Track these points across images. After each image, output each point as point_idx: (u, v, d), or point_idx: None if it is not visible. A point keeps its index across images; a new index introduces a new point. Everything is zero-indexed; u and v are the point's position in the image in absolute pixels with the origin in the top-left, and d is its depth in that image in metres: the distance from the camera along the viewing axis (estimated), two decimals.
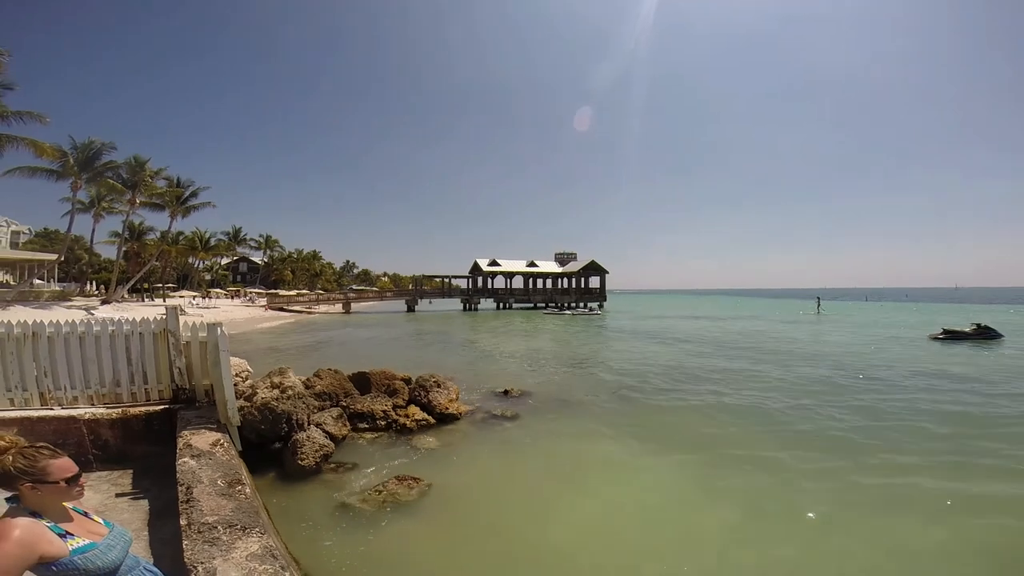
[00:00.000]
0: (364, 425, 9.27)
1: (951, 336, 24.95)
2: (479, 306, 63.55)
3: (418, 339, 28.93)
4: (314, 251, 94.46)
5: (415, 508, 5.84)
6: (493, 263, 67.38)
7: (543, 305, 65.17)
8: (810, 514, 5.85)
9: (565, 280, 69.66)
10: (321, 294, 70.23)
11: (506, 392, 12.36)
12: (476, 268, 67.02)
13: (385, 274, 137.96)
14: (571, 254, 74.13)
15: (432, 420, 9.64)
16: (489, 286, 67.17)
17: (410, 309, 59.84)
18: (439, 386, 10.73)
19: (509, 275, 67.43)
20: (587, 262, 68.38)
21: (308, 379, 10.09)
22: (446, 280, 68.81)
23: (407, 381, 11.00)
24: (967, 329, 25.38)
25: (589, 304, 64.90)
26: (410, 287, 76.41)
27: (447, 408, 10.11)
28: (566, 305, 64.33)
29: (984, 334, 24.63)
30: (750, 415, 10.62)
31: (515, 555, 5.00)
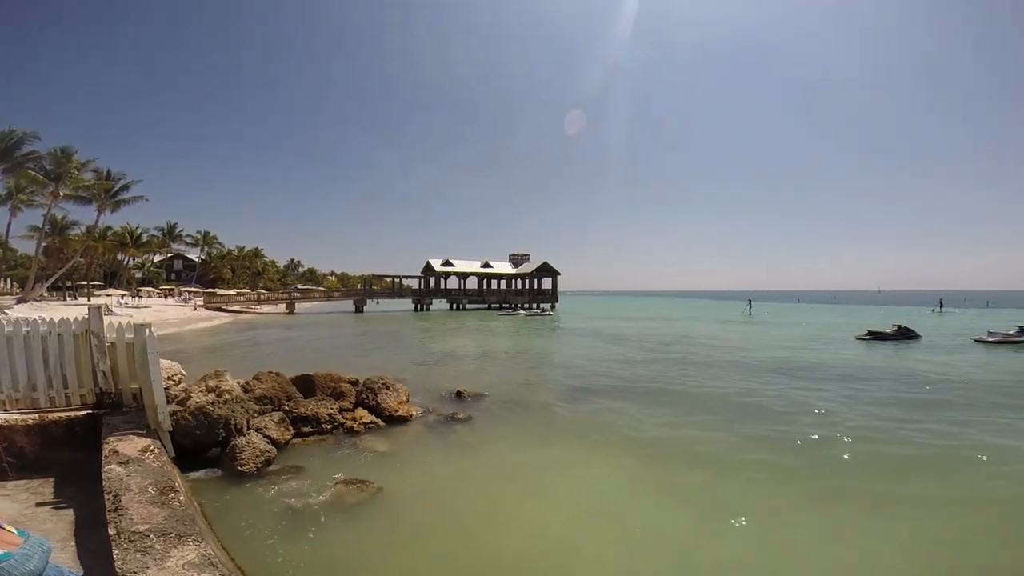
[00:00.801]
0: (309, 429, 9.02)
1: (875, 336, 27.21)
2: (431, 307, 62.88)
3: (367, 340, 28.34)
4: (256, 248, 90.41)
5: (364, 511, 5.77)
6: (446, 263, 66.92)
7: (497, 306, 65.40)
8: (754, 509, 6.21)
9: (519, 281, 70.21)
10: (263, 294, 67.25)
11: (459, 394, 12.35)
12: (429, 268, 66.34)
13: (332, 273, 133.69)
14: (525, 255, 74.91)
15: (381, 423, 9.52)
16: (442, 287, 66.67)
17: (359, 310, 58.36)
18: (388, 388, 10.59)
19: (463, 276, 67.17)
20: (540, 264, 69.23)
21: (247, 382, 9.72)
22: (397, 280, 67.72)
23: (354, 383, 10.79)
24: (889, 330, 27.69)
25: (542, 305, 65.77)
26: (359, 287, 74.60)
27: (396, 411, 10.01)
28: (520, 306, 64.83)
29: (905, 335, 27.01)
30: (696, 412, 11.14)
31: (466, 558, 5.02)
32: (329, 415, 9.45)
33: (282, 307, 58.21)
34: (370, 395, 10.29)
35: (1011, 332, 25.26)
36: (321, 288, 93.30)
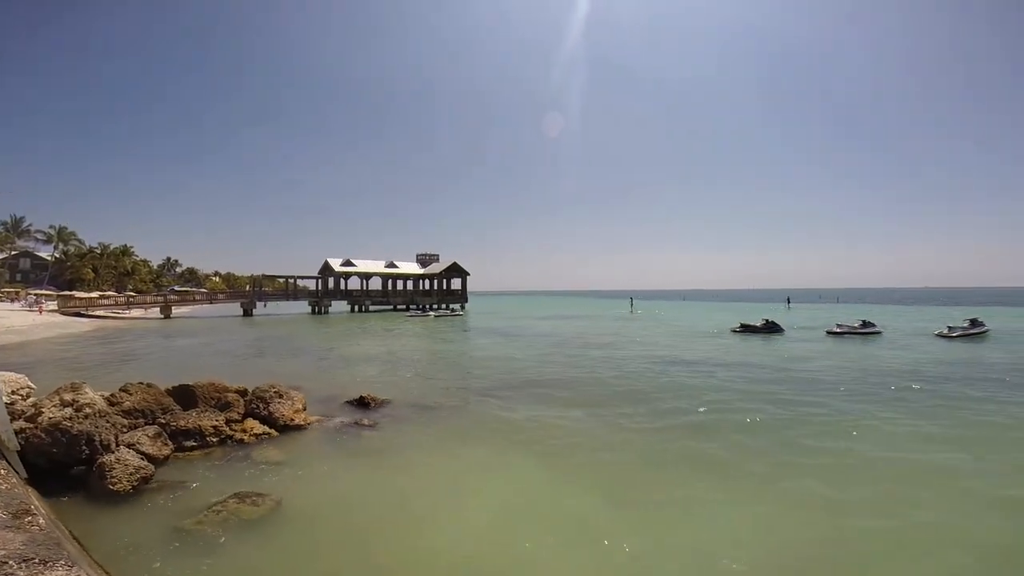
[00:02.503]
0: (192, 443, 8.41)
1: (746, 329, 31.30)
2: (331, 309, 59.96)
3: (257, 347, 26.47)
4: (124, 246, 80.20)
5: (262, 526, 5.55)
6: (347, 263, 64.23)
7: (403, 307, 64.13)
8: (662, 497, 6.81)
9: (427, 282, 69.40)
10: (133, 296, 59.85)
11: (362, 400, 12.07)
12: (327, 268, 63.23)
13: (217, 273, 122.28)
14: (434, 255, 74.06)
15: (275, 433, 9.13)
16: (343, 287, 63.92)
17: (247, 313, 54.11)
18: (281, 397, 10.14)
19: (365, 276, 64.87)
20: (449, 264, 68.96)
21: (113, 395, 8.91)
22: (292, 281, 63.81)
23: (242, 393, 10.23)
24: (759, 324, 31.84)
25: (451, 306, 65.59)
26: (247, 288, 69.18)
27: (292, 420, 9.63)
28: (429, 307, 64.11)
29: (771, 328, 31.26)
30: (598, 408, 11.92)
31: (374, 570, 4.95)
32: (214, 427, 8.88)
33: (156, 311, 52.31)
34: (261, 405, 9.80)
35: (856, 325, 29.97)
36: (203, 290, 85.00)
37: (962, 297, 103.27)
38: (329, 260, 63.52)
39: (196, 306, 63.37)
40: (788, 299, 77.05)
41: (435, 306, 64.99)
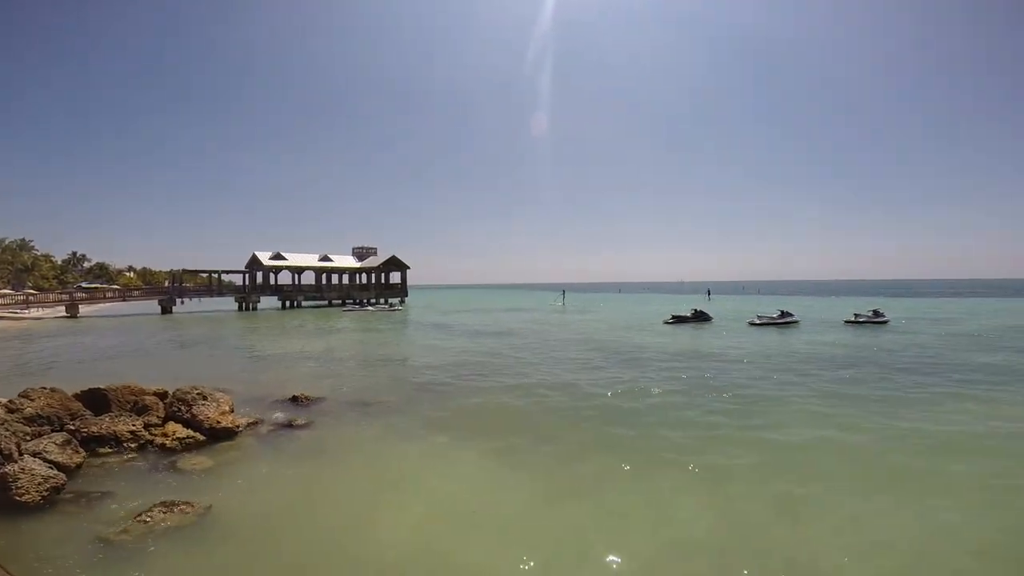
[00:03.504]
0: (107, 449, 8.04)
1: (678, 320, 33.40)
2: (259, 305, 57.19)
3: (177, 346, 25.00)
4: (22, 239, 72.59)
5: (192, 534, 5.44)
6: (277, 256, 61.44)
7: (339, 302, 62.32)
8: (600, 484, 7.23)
9: (364, 276, 67.72)
10: (34, 294, 54.37)
11: (296, 399, 11.85)
12: (255, 262, 60.18)
13: (131, 269, 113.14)
14: (371, 249, 72.24)
15: (201, 437, 8.83)
16: (273, 282, 61.14)
17: (166, 311, 50.57)
18: (205, 399, 9.81)
19: (297, 270, 62.39)
20: (388, 257, 67.59)
21: (12, 401, 8.39)
22: (216, 276, 60.28)
23: (161, 396, 9.84)
24: (688, 314, 34.12)
25: (390, 300, 64.46)
26: (166, 284, 64.65)
27: (219, 422, 9.34)
28: (367, 301, 62.71)
29: (700, 317, 33.71)
30: (536, 399, 12.35)
31: (317, 570, 4.94)
32: (132, 432, 8.52)
33: (62, 310, 47.82)
34: (183, 408, 9.45)
35: (775, 315, 32.45)
36: (115, 287, 78.37)
37: (882, 289, 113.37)
38: (257, 253, 60.53)
39: (108, 304, 58.49)
40: (708, 291, 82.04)
41: (373, 301, 63.64)
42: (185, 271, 60.98)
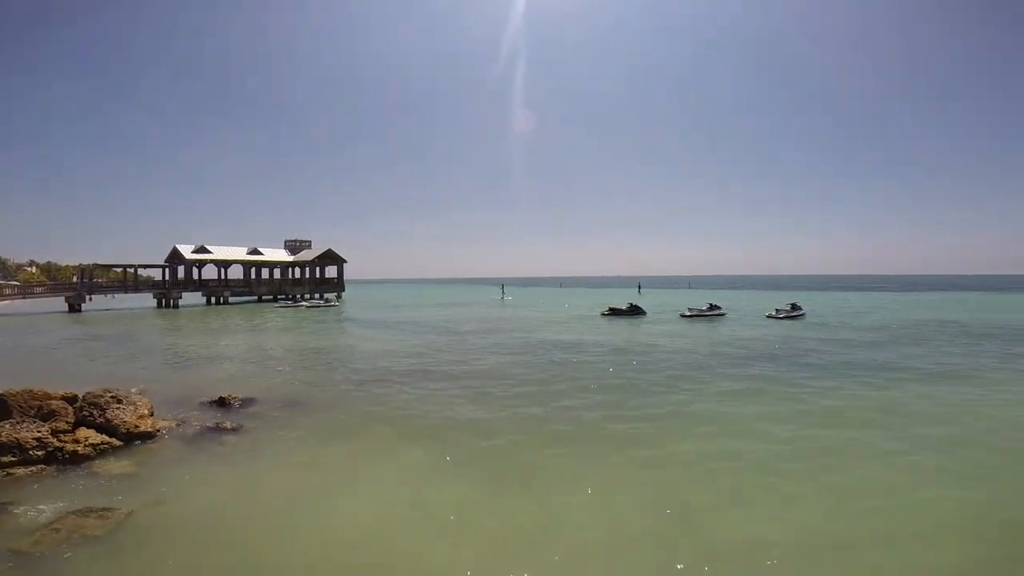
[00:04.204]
0: (11, 459, 7.61)
1: (614, 313, 35.30)
2: (181, 302, 53.85)
3: (87, 347, 23.26)
4: None
5: (112, 541, 5.33)
6: (201, 249, 58.01)
7: (270, 298, 59.81)
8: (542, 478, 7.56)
9: (298, 270, 65.30)
10: None
11: (223, 400, 11.54)
12: (176, 256, 56.55)
13: (33, 263, 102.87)
14: (304, 242, 69.67)
15: (118, 443, 8.52)
16: (197, 277, 57.70)
17: (74, 308, 46.51)
18: (120, 402, 9.45)
19: (224, 264, 59.19)
20: (324, 250, 65.50)
21: None
22: (131, 270, 56.14)
23: (70, 400, 9.37)
24: (624, 307, 36.11)
25: (326, 295, 62.60)
26: (74, 280, 59.40)
27: (137, 427, 9.03)
28: (301, 297, 60.54)
29: (634, 311, 35.63)
30: (477, 394, 12.68)
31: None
32: (38, 439, 8.08)
33: None
34: (95, 412, 9.06)
35: (704, 308, 34.75)
36: (14, 283, 71.00)
37: (806, 283, 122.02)
38: (179, 247, 56.95)
39: (5, 302, 53.08)
40: (639, 285, 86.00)
41: (307, 296, 61.57)
42: (97, 266, 56.33)
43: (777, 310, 34.37)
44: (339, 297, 64.26)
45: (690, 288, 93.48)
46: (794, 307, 34.82)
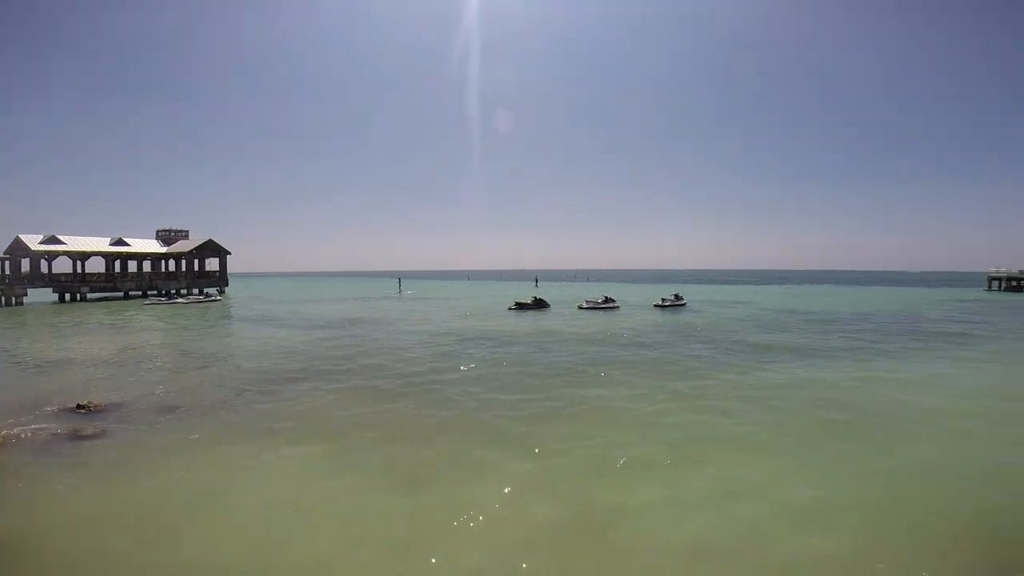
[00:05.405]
0: None
1: (520, 306, 36.59)
2: (27, 300, 46.99)
3: None
4: None
5: None
6: (52, 240, 50.85)
7: (139, 294, 54.10)
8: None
9: (172, 262, 59.56)
10: None
11: (82, 407, 10.74)
12: (20, 247, 49.18)
13: None
14: (181, 232, 63.69)
15: None
16: (47, 271, 50.60)
17: None
18: None
19: (81, 256, 52.43)
20: (203, 241, 60.30)
21: None
22: None
23: None
24: (529, 301, 37.61)
25: (206, 290, 57.83)
26: None
27: None
28: (176, 293, 55.39)
29: (539, 304, 37.19)
30: (373, 392, 12.86)
31: None
32: None
33: None
34: None
35: (599, 300, 37.44)
36: None
37: (690, 277, 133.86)
38: (22, 236, 49.63)
39: None
40: (536, 279, 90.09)
41: (184, 291, 56.57)
42: None
43: (663, 299, 38.21)
44: (222, 292, 59.75)
45: (588, 281, 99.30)
46: (677, 297, 38.84)
